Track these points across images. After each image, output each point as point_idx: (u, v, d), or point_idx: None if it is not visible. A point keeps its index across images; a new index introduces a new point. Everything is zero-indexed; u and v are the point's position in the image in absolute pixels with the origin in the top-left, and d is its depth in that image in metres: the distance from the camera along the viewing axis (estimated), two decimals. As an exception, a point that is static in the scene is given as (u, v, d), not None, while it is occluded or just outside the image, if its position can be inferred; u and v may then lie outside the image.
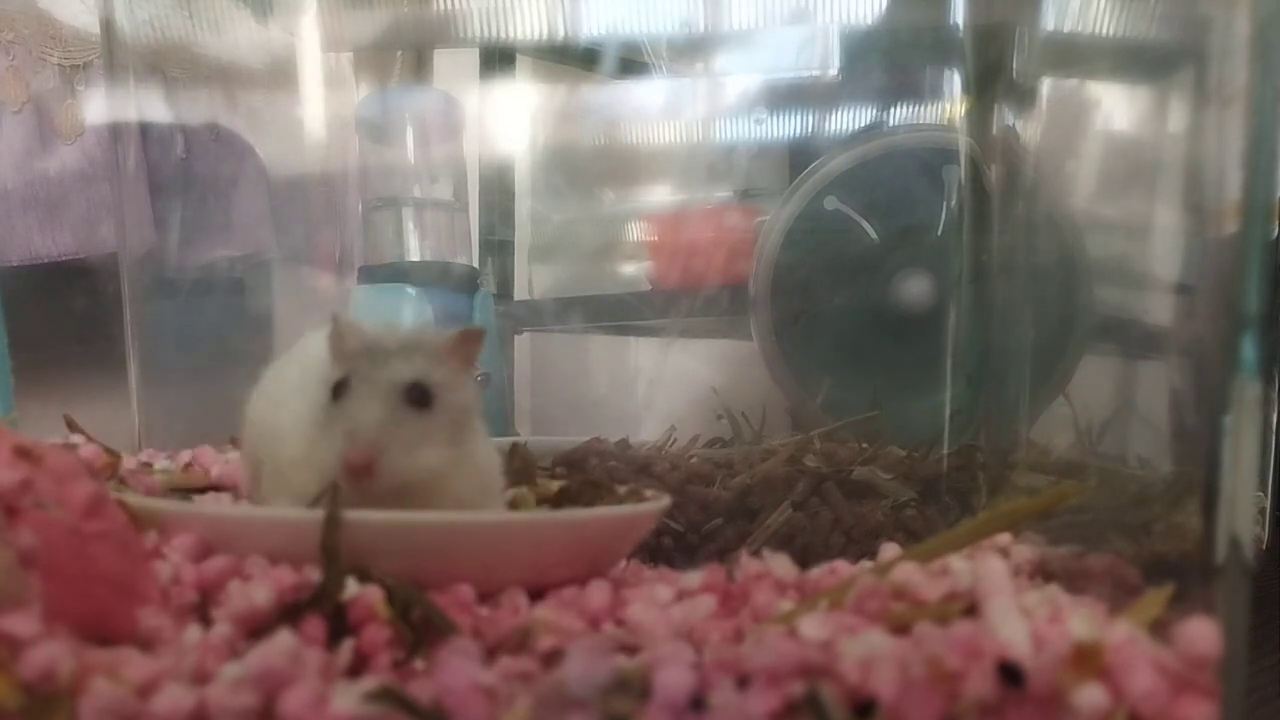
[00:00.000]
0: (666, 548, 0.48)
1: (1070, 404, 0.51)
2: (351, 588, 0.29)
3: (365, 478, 0.32)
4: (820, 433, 0.56)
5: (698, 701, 0.24)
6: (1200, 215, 0.33)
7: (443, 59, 0.81)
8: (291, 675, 0.24)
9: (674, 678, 0.24)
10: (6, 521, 0.27)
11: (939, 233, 0.62)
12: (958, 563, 0.31)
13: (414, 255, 0.74)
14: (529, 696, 0.24)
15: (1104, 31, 0.47)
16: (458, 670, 0.25)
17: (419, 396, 0.33)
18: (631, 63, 0.76)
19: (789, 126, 0.75)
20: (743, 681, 0.24)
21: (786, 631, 0.27)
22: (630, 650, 0.27)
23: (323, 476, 0.32)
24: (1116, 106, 0.48)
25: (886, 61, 0.70)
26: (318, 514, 0.31)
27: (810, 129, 0.75)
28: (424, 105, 0.77)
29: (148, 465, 0.50)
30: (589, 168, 0.84)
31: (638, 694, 0.24)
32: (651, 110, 0.80)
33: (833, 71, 0.72)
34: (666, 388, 0.71)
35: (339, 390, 0.34)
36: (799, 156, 0.73)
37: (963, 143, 0.59)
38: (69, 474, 0.29)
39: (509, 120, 0.81)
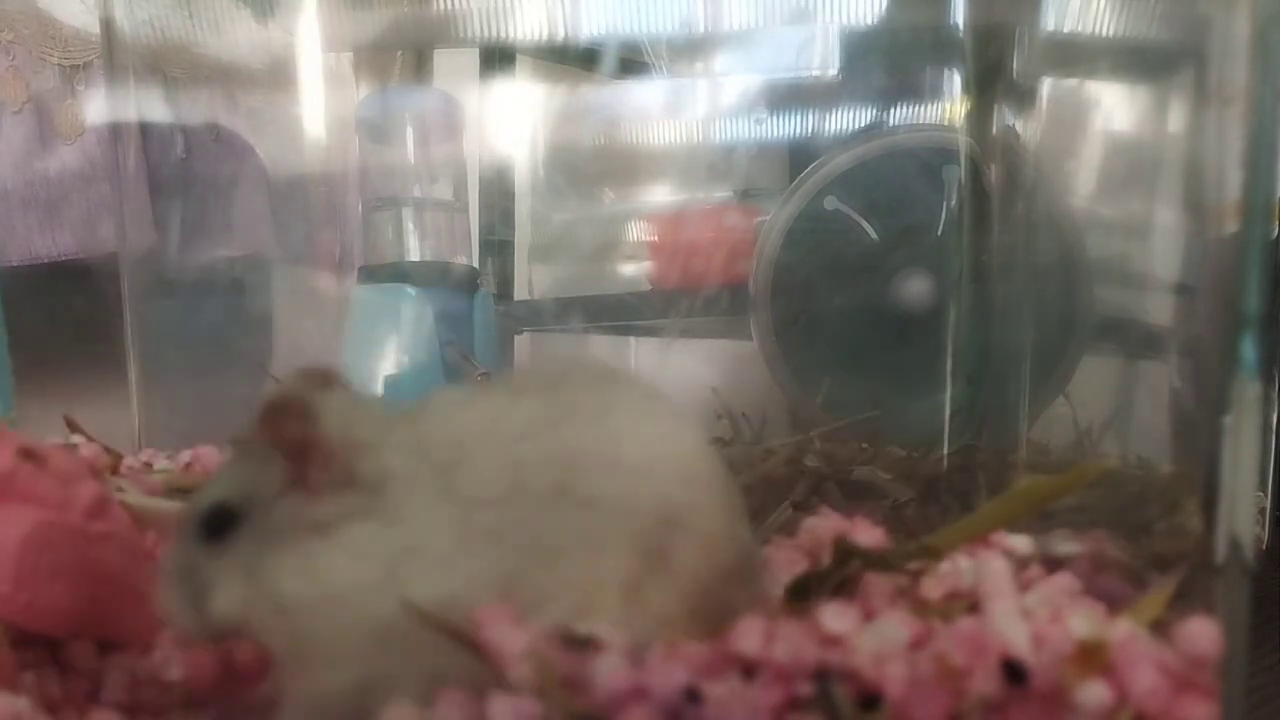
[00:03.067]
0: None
1: (1070, 404, 0.51)
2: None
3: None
4: (820, 433, 0.56)
5: (692, 694, 0.24)
6: (1200, 215, 0.33)
7: (443, 59, 0.81)
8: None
9: (670, 674, 0.24)
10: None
11: (939, 233, 0.62)
12: (960, 562, 0.31)
13: (414, 255, 0.74)
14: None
15: (1104, 31, 0.47)
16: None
17: (215, 526, 0.26)
18: (631, 63, 0.76)
19: (789, 126, 0.75)
20: (749, 673, 0.24)
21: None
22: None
23: None
24: (1116, 106, 0.48)
25: (886, 61, 0.70)
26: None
27: (810, 129, 0.74)
28: (424, 105, 0.76)
29: (148, 465, 0.49)
30: (589, 168, 0.84)
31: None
32: (651, 110, 0.80)
33: (833, 71, 0.72)
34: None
35: None
36: (799, 156, 0.73)
37: (963, 143, 0.59)
38: (73, 475, 0.29)
39: (509, 120, 0.81)
